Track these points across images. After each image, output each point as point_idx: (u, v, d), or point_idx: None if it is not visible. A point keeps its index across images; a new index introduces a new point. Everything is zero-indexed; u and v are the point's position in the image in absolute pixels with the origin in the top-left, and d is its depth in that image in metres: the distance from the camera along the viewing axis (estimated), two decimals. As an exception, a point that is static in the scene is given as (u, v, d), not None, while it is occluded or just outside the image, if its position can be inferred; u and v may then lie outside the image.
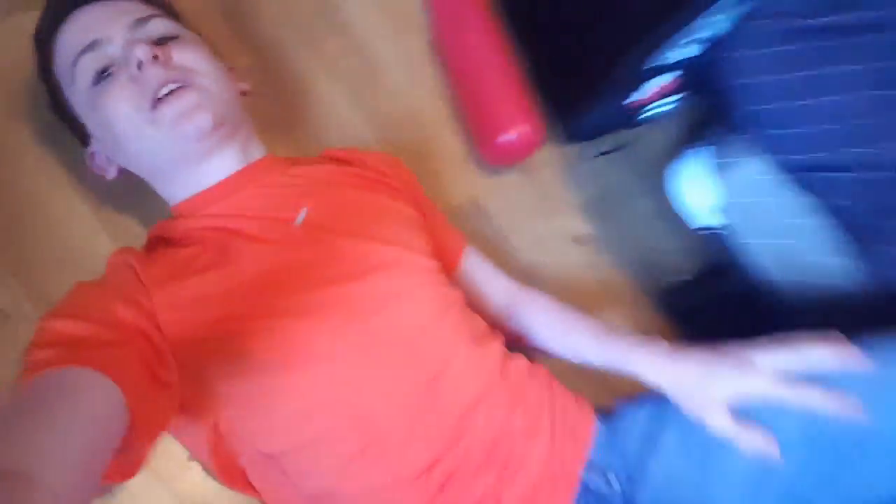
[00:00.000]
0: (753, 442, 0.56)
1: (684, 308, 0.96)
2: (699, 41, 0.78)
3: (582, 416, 0.68)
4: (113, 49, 0.61)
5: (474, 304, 0.75)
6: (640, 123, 0.94)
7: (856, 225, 0.76)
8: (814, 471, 0.57)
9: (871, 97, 0.71)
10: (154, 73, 0.60)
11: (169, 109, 0.60)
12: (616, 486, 0.64)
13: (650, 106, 0.91)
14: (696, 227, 0.90)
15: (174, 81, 0.60)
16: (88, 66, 0.62)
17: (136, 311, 0.57)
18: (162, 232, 0.68)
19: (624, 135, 0.97)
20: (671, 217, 0.93)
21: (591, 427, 0.67)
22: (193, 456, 0.68)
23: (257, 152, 0.71)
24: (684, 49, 0.80)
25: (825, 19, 0.72)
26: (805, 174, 0.78)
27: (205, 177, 0.66)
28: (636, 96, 0.86)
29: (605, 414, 0.70)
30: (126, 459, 0.49)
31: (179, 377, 0.59)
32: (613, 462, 0.65)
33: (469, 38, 0.88)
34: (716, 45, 0.77)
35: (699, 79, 0.84)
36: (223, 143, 0.65)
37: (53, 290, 0.70)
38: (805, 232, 0.81)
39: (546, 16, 0.90)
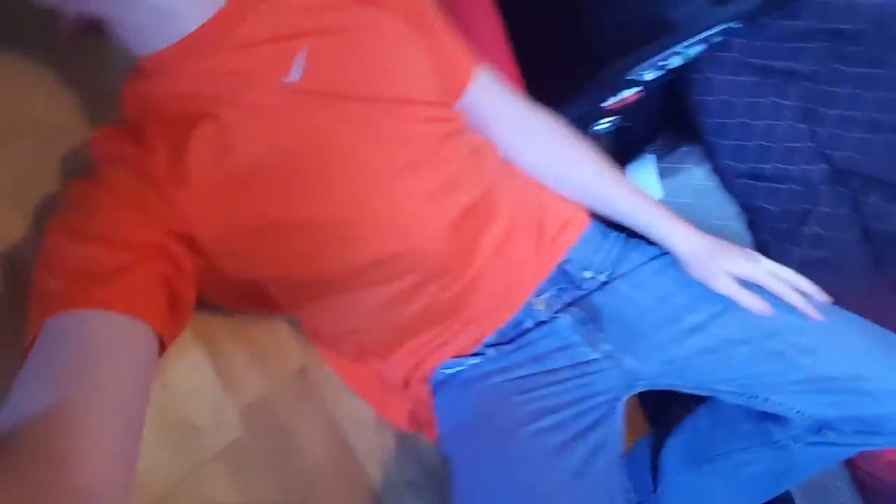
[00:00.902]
0: (751, 301, 0.69)
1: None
2: (668, 65, 0.96)
3: (576, 210, 0.76)
4: None
5: (487, 136, 0.76)
6: (589, 132, 1.10)
7: (770, 226, 0.98)
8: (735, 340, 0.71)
9: (793, 126, 0.94)
10: None
11: None
12: (589, 280, 0.73)
13: (605, 118, 1.07)
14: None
15: None
16: None
17: (149, 219, 0.52)
18: (140, 103, 0.58)
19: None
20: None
21: (583, 220, 0.76)
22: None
23: None
24: (655, 70, 0.97)
25: (763, 62, 0.95)
26: (734, 179, 0.98)
27: (160, 15, 0.53)
28: (608, 101, 1.01)
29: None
30: None
31: (221, 262, 0.57)
32: (596, 261, 0.74)
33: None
34: (685, 67, 0.96)
35: (657, 95, 1.02)
36: None
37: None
38: (725, 233, 1.02)
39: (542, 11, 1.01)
